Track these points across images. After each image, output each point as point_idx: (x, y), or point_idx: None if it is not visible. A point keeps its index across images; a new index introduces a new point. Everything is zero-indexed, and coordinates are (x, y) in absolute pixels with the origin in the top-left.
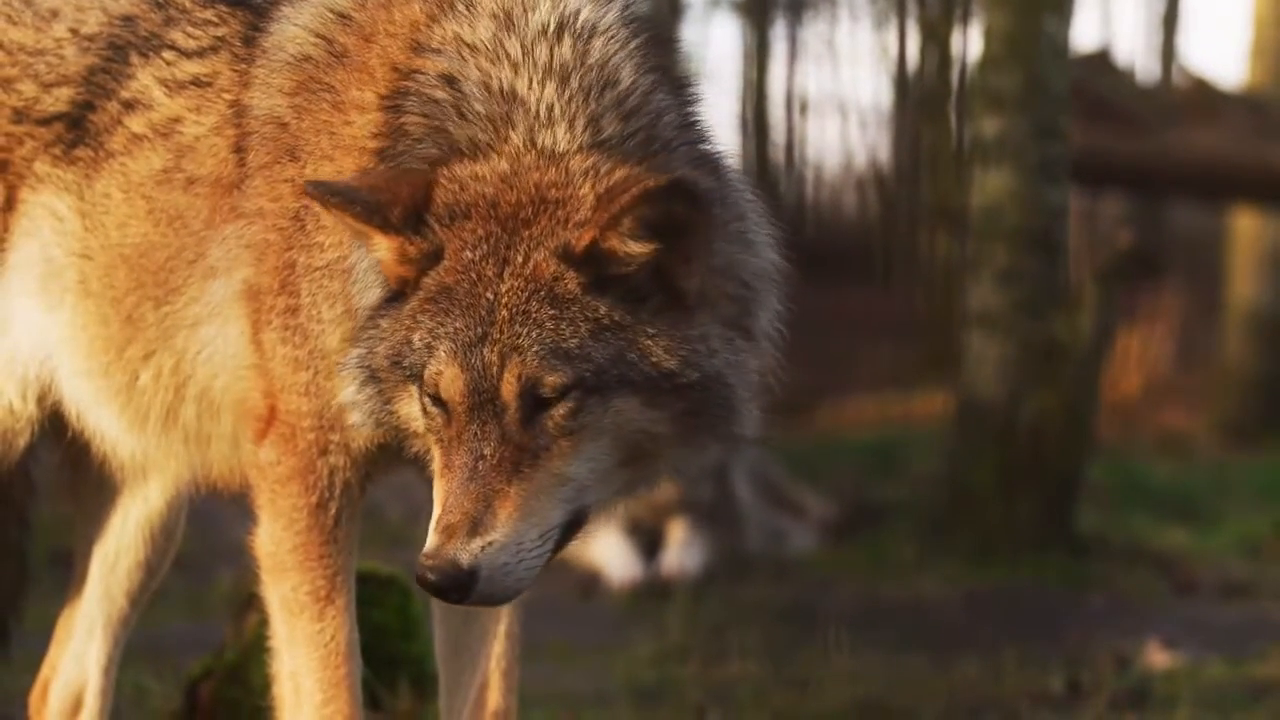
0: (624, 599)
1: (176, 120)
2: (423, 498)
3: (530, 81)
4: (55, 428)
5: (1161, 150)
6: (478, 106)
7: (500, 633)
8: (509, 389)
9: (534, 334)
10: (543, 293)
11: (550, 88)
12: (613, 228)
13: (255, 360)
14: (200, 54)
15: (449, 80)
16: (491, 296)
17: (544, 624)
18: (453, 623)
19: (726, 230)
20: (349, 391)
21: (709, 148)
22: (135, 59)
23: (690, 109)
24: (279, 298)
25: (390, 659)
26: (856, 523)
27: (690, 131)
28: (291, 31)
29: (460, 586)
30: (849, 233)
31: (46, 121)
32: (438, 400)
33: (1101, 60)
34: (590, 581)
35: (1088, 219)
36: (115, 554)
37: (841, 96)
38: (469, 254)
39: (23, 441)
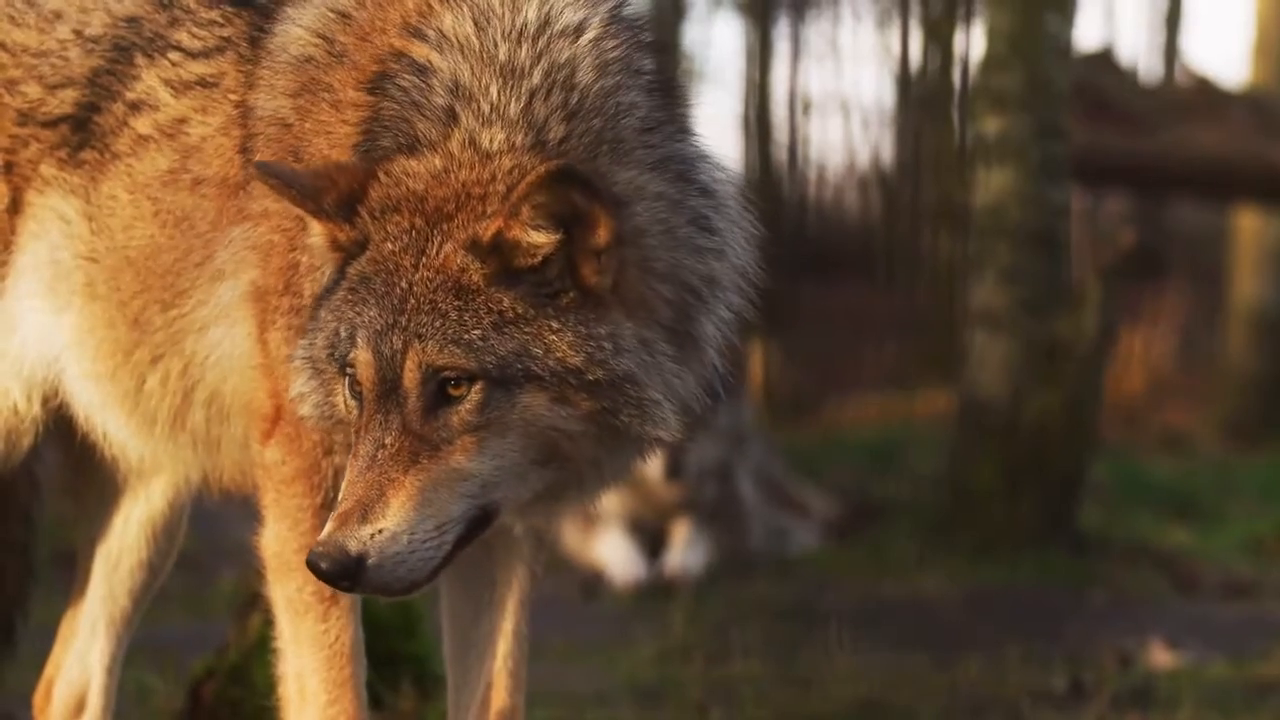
0: (627, 598)
1: (182, 121)
2: None
3: (483, 80)
4: (59, 428)
5: (1164, 149)
6: (437, 100)
7: (508, 631)
8: (410, 377)
9: (437, 323)
10: (450, 284)
11: (498, 87)
12: (515, 217)
13: (261, 361)
14: (206, 55)
15: (421, 70)
16: (405, 286)
17: (547, 623)
18: (460, 621)
19: (675, 236)
20: (299, 384)
21: (683, 150)
22: (140, 60)
23: (667, 112)
24: (283, 298)
25: (392, 658)
26: (859, 521)
27: (657, 134)
28: (295, 33)
29: (348, 573)
30: (852, 232)
31: (51, 124)
32: (355, 390)
33: (1104, 59)
34: (593, 581)
35: (1090, 218)
36: (118, 554)
37: (844, 96)
38: (390, 245)
39: (27, 442)
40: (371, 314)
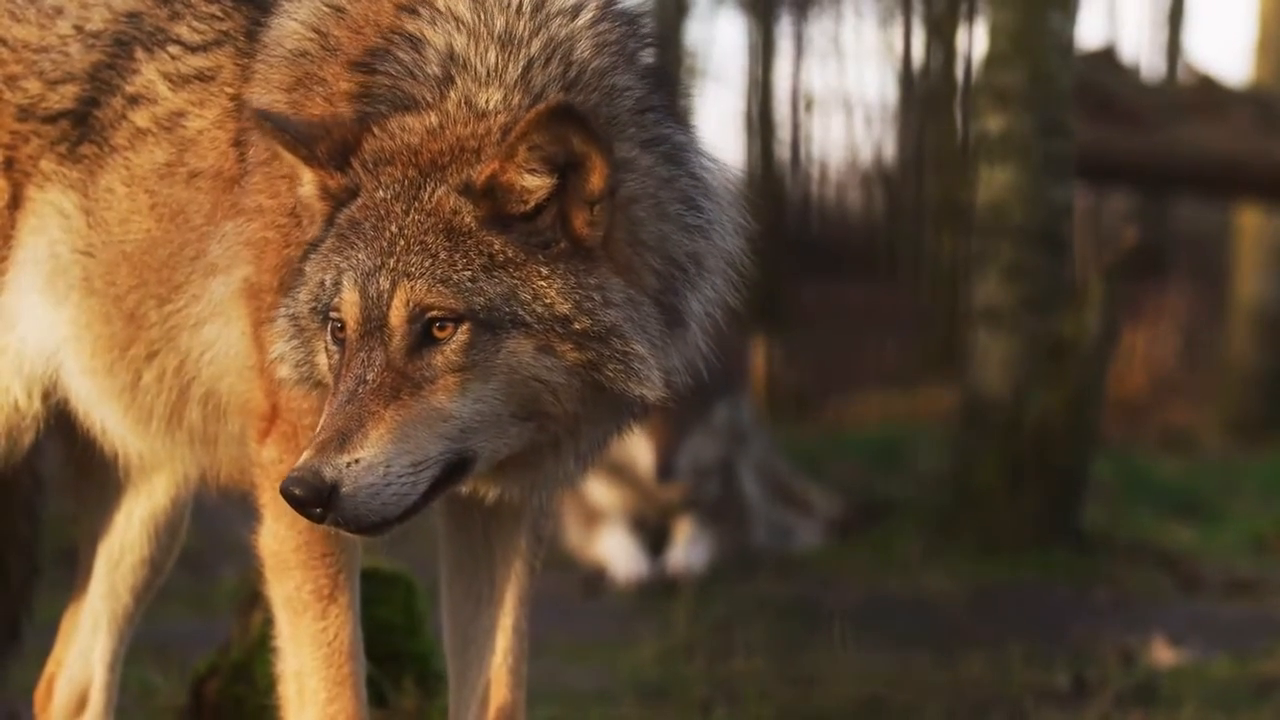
0: (630, 595)
1: (180, 114)
2: None
3: (480, 47)
4: (60, 424)
5: (1167, 147)
6: (431, 69)
7: (508, 627)
8: (397, 314)
9: (427, 263)
10: (441, 226)
11: (495, 53)
12: (510, 159)
13: (257, 359)
14: (204, 48)
15: (415, 43)
16: (395, 229)
17: (549, 621)
18: (461, 617)
19: (663, 210)
20: (279, 346)
21: (675, 136)
22: (140, 54)
23: (661, 99)
24: (277, 296)
25: (394, 656)
26: (862, 519)
27: (650, 116)
28: (290, 27)
29: (321, 500)
30: (854, 230)
31: (52, 119)
32: (338, 336)
33: (1107, 57)
34: (596, 578)
35: (1093, 216)
36: (120, 551)
37: (847, 93)
38: (381, 193)
39: (28, 439)
40: (360, 257)
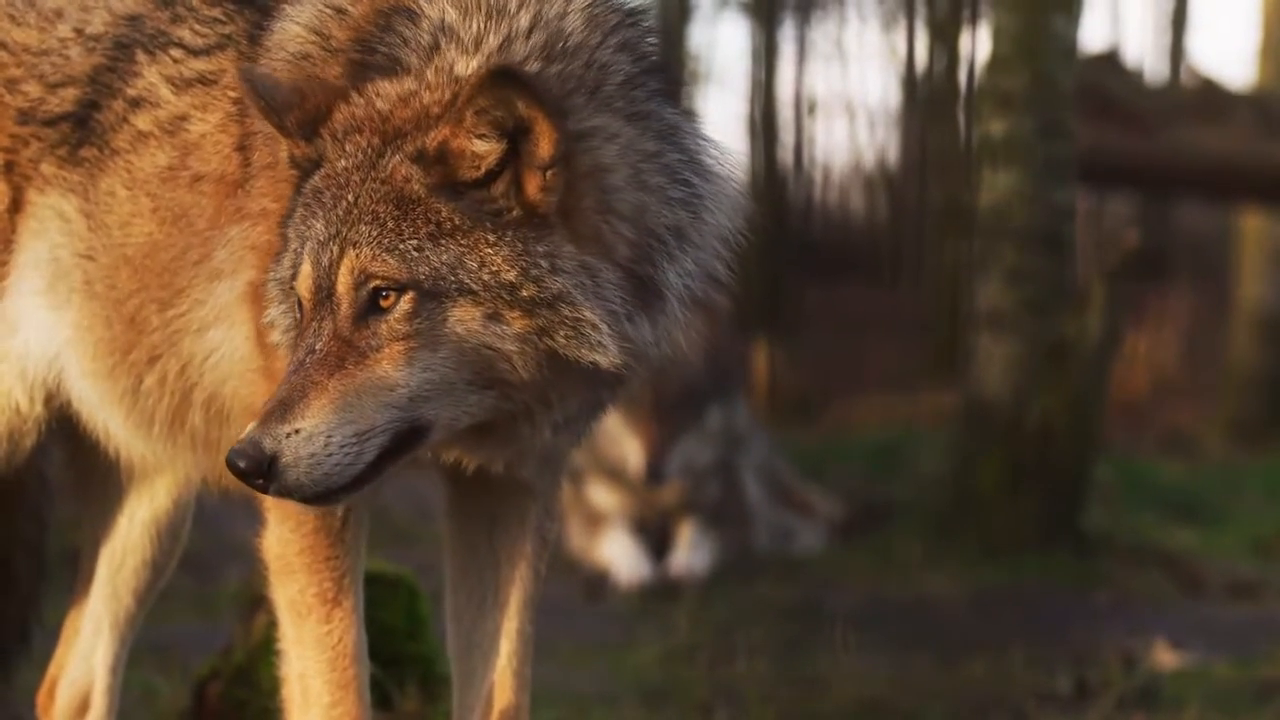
0: (632, 599)
1: (183, 118)
2: (430, 498)
3: (469, 18)
4: (62, 427)
5: (1169, 150)
6: (423, 38)
7: (512, 631)
8: (342, 283)
9: (374, 232)
10: (393, 195)
11: (481, 22)
12: (459, 124)
13: (261, 363)
14: (207, 52)
15: (412, 15)
16: (351, 199)
17: (552, 624)
18: (466, 621)
19: (644, 181)
20: (270, 311)
21: (667, 115)
22: (141, 57)
23: (655, 81)
24: None
25: (397, 659)
26: (864, 522)
27: (640, 93)
28: (292, 30)
29: (261, 471)
30: (857, 233)
31: (52, 122)
32: (299, 306)
33: (1109, 60)
34: (598, 581)
35: (1095, 219)
36: (122, 553)
37: (849, 97)
38: (343, 162)
39: (30, 442)
40: (318, 226)
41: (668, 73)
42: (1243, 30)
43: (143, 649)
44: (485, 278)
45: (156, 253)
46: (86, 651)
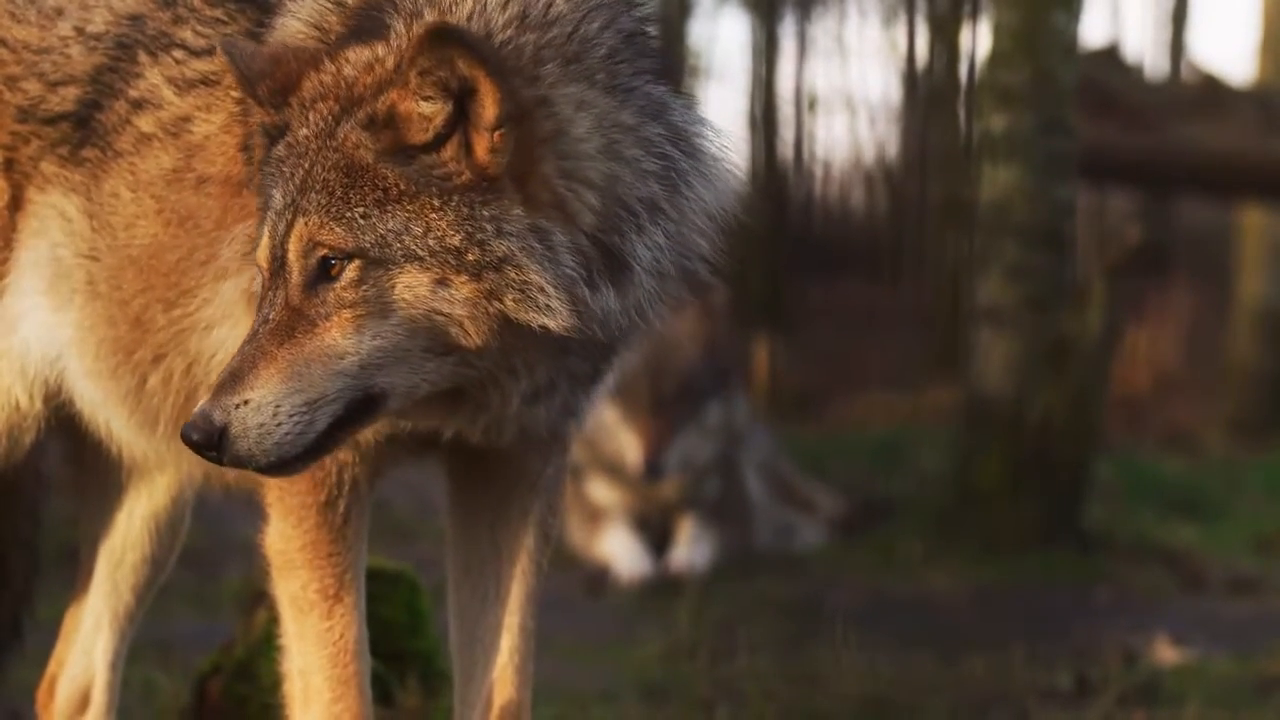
0: (633, 595)
1: (186, 119)
2: (432, 493)
3: None
4: (62, 424)
5: (1170, 146)
6: (410, 5)
7: (514, 626)
8: (292, 251)
9: (323, 200)
10: (344, 162)
11: None
12: (405, 86)
13: None
14: (209, 52)
15: None
16: (306, 168)
17: (552, 620)
18: (468, 616)
19: (617, 152)
20: (257, 282)
21: (654, 92)
22: (144, 57)
23: (644, 58)
24: None
25: (398, 655)
26: (865, 518)
27: (625, 68)
28: (293, 26)
29: (212, 443)
30: (858, 229)
31: (52, 121)
32: (261, 278)
33: (1110, 56)
34: (599, 577)
35: (1096, 215)
36: (121, 550)
37: (850, 93)
38: (304, 131)
39: (29, 439)
40: (276, 196)
41: (662, 54)
42: (1243, 26)
43: (144, 645)
44: (431, 243)
45: (162, 253)
46: (87, 648)
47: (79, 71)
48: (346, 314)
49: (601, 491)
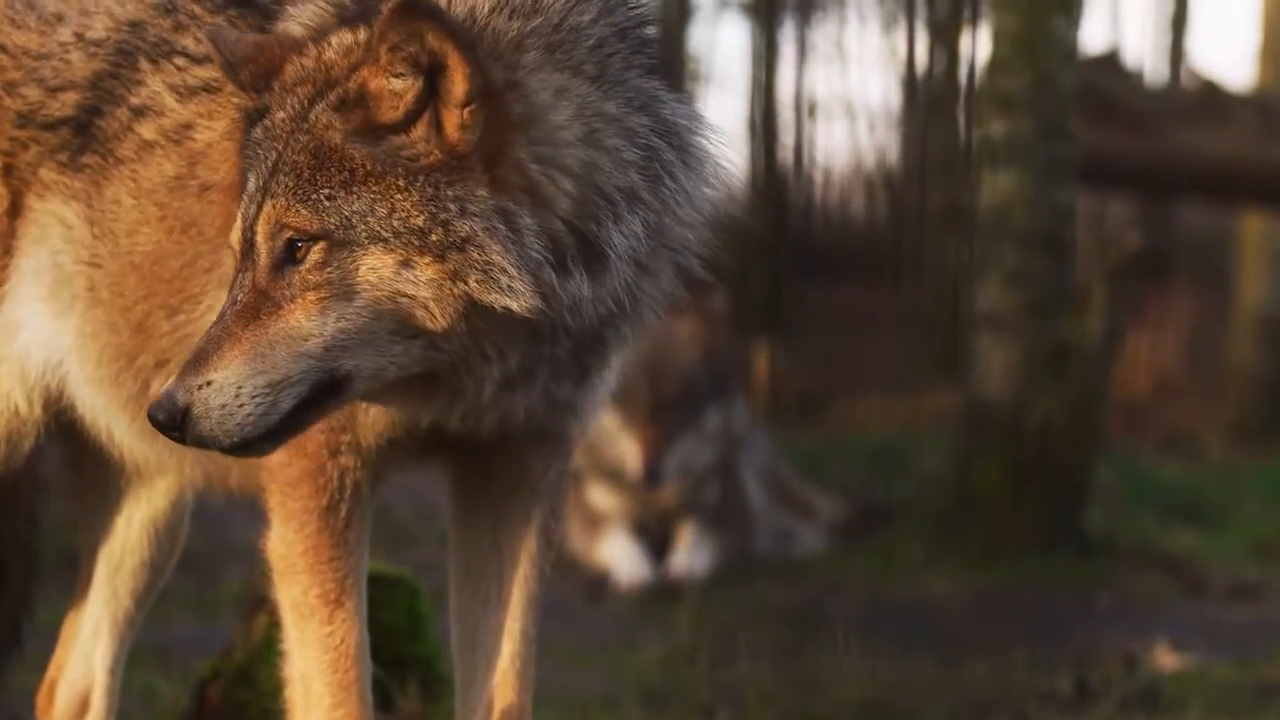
0: (632, 600)
1: (188, 126)
2: (432, 498)
3: None
4: (61, 430)
5: (1170, 151)
6: None
7: (515, 631)
8: (260, 233)
9: (291, 182)
10: (314, 144)
11: None
12: (375, 63)
13: None
14: (210, 59)
15: None
16: (279, 151)
17: (552, 625)
18: (469, 620)
19: (598, 140)
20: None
21: (644, 86)
22: (145, 65)
23: (637, 52)
24: None
25: (399, 660)
26: (865, 523)
27: (614, 60)
28: (294, 30)
29: (176, 424)
30: (857, 234)
31: (51, 126)
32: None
33: (1110, 61)
34: (599, 582)
35: (1096, 220)
36: (120, 554)
37: (850, 98)
38: (281, 114)
39: (28, 444)
40: (250, 178)
41: (658, 50)
42: (1243, 31)
43: (143, 650)
44: (395, 224)
45: (165, 260)
46: (86, 652)
47: (79, 77)
48: (311, 296)
49: (601, 497)
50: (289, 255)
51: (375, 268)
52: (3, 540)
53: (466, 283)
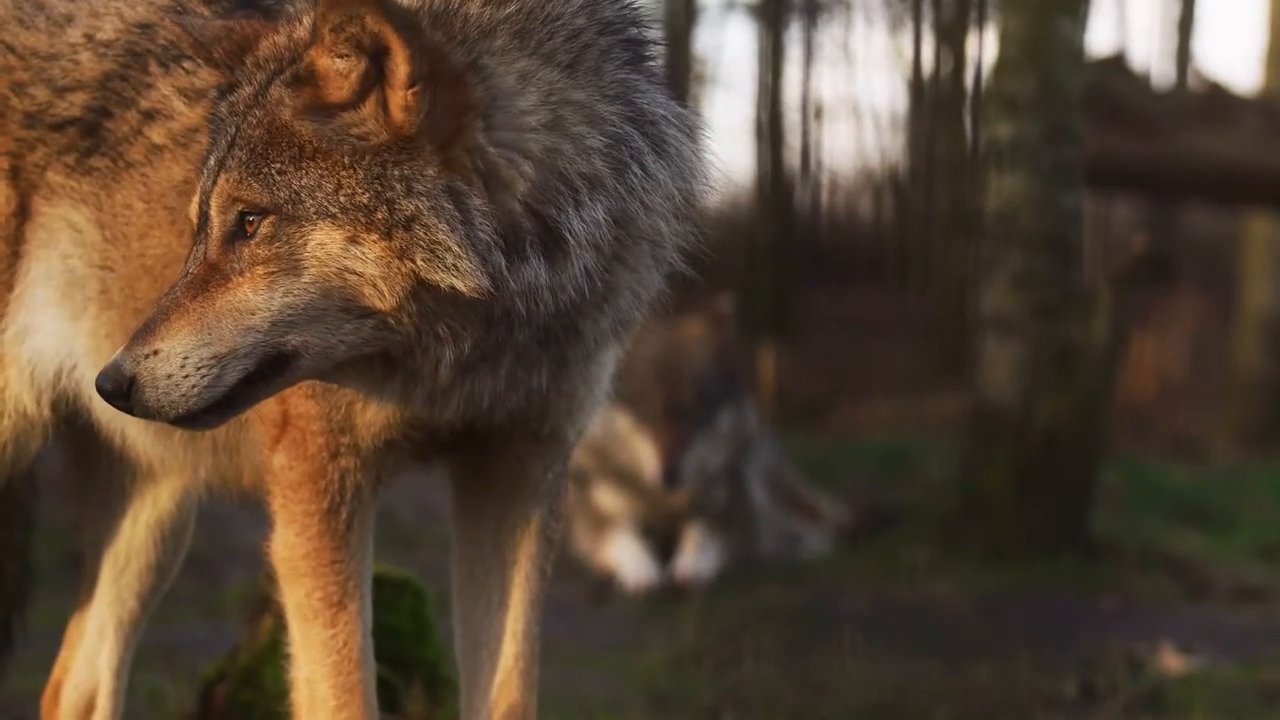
0: (638, 602)
1: (197, 130)
2: (435, 500)
3: None
4: (68, 432)
5: (1176, 154)
6: None
7: (518, 631)
8: (214, 206)
9: (245, 156)
10: (268, 120)
11: None
12: (321, 44)
13: None
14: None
15: None
16: (237, 126)
17: (558, 627)
18: (472, 622)
19: (562, 127)
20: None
21: (625, 78)
22: (154, 68)
23: (620, 46)
24: None
25: (403, 662)
26: (870, 526)
27: (591, 51)
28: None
29: (122, 393)
30: (864, 237)
31: (59, 126)
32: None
33: (1116, 64)
34: (605, 585)
35: (1102, 223)
36: (125, 556)
37: (856, 100)
38: (246, 89)
39: (35, 446)
40: (210, 151)
41: (651, 48)
42: (1249, 34)
43: (149, 651)
44: (342, 200)
45: (177, 263)
46: (91, 654)
47: (88, 78)
48: (259, 270)
49: (609, 499)
50: (240, 229)
51: (323, 243)
52: None
53: (413, 261)
